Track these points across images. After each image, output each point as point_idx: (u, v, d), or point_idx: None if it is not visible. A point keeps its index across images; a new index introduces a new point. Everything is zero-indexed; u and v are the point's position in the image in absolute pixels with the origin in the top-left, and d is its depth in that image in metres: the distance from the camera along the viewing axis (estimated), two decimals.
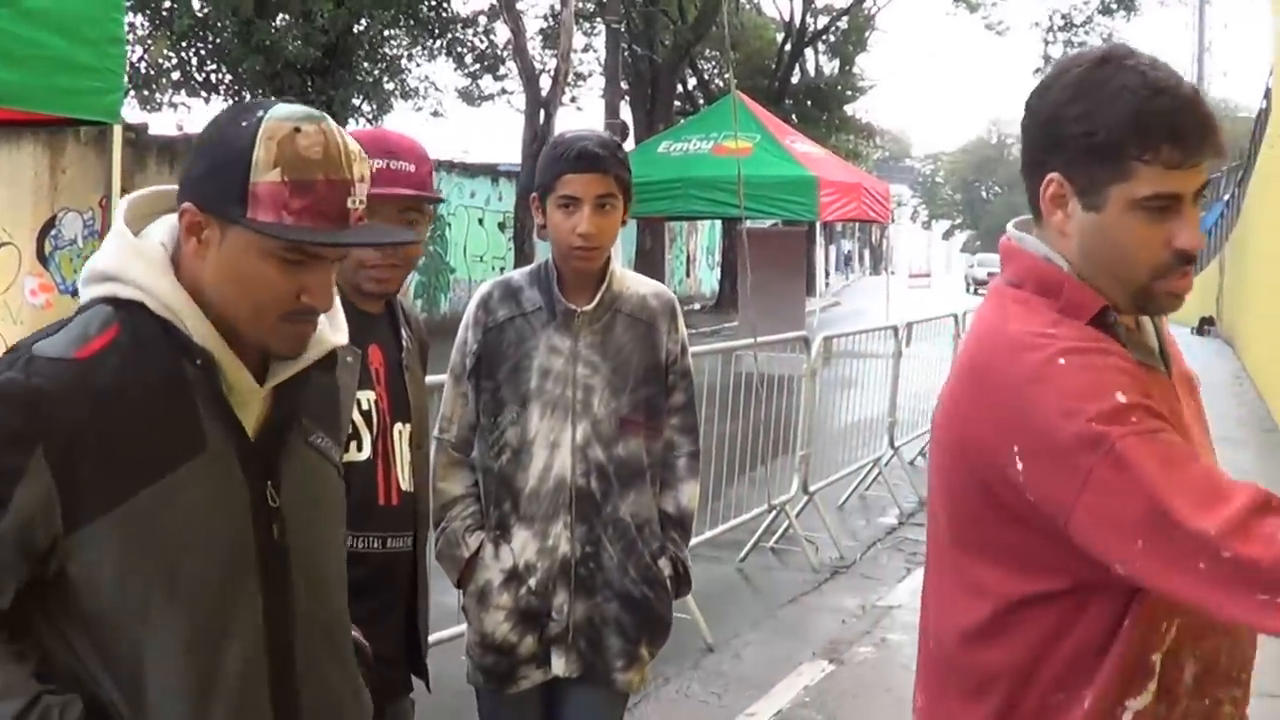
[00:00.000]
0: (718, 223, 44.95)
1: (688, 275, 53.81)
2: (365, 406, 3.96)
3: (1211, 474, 2.53)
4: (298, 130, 2.59)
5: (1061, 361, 2.61)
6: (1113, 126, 2.64)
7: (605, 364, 4.59)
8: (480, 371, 4.63)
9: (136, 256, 2.68)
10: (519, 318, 4.60)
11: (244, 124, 2.61)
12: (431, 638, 5.92)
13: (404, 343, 4.15)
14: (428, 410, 4.29)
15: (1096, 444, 2.51)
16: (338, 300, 2.84)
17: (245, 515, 2.69)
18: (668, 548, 4.75)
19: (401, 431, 4.07)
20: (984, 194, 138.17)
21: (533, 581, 4.58)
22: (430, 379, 4.45)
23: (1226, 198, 44.45)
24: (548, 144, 4.69)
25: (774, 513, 11.96)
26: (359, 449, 3.95)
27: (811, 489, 12.47)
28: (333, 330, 2.90)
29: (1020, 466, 2.61)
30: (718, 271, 51.55)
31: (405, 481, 4.06)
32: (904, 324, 15.47)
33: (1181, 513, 2.44)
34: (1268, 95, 28.03)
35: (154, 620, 2.56)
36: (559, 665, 4.62)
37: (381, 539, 3.98)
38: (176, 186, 2.72)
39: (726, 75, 47.54)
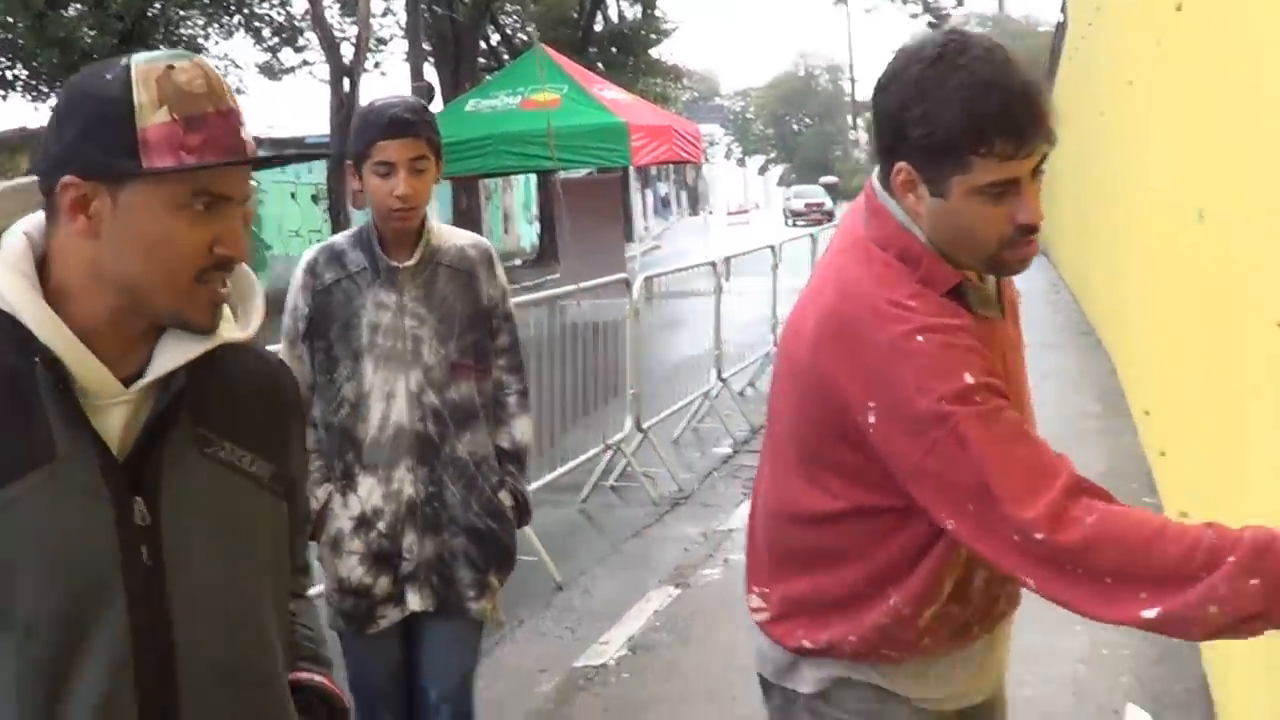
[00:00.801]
0: (533, 177, 44.95)
1: (506, 232, 53.68)
2: None
3: (1037, 456, 2.90)
4: (171, 67, 2.32)
5: (920, 339, 2.93)
6: (949, 127, 2.90)
7: (431, 314, 4.82)
8: (313, 333, 4.85)
9: None
10: (345, 279, 4.82)
11: (108, 76, 2.32)
12: None
13: None
14: None
15: (943, 420, 2.88)
16: (260, 298, 2.63)
17: (105, 535, 2.33)
18: (506, 480, 5.03)
19: None
20: (795, 127, 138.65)
21: (382, 525, 4.83)
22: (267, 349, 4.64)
23: None
24: (358, 112, 4.90)
25: (610, 452, 12.22)
26: None
27: (645, 426, 12.73)
28: (238, 324, 2.56)
29: (873, 420, 2.98)
30: (536, 225, 51.54)
31: None
32: (722, 259, 15.74)
33: (1006, 493, 2.83)
34: (1064, 9, 28.60)
35: None
36: (414, 601, 4.88)
37: None
38: (30, 178, 2.41)
39: (529, 28, 47.62)
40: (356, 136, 4.76)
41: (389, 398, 4.81)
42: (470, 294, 4.92)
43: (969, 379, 2.90)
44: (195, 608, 2.41)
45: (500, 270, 5.09)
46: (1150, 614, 2.77)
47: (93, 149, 2.29)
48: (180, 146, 2.29)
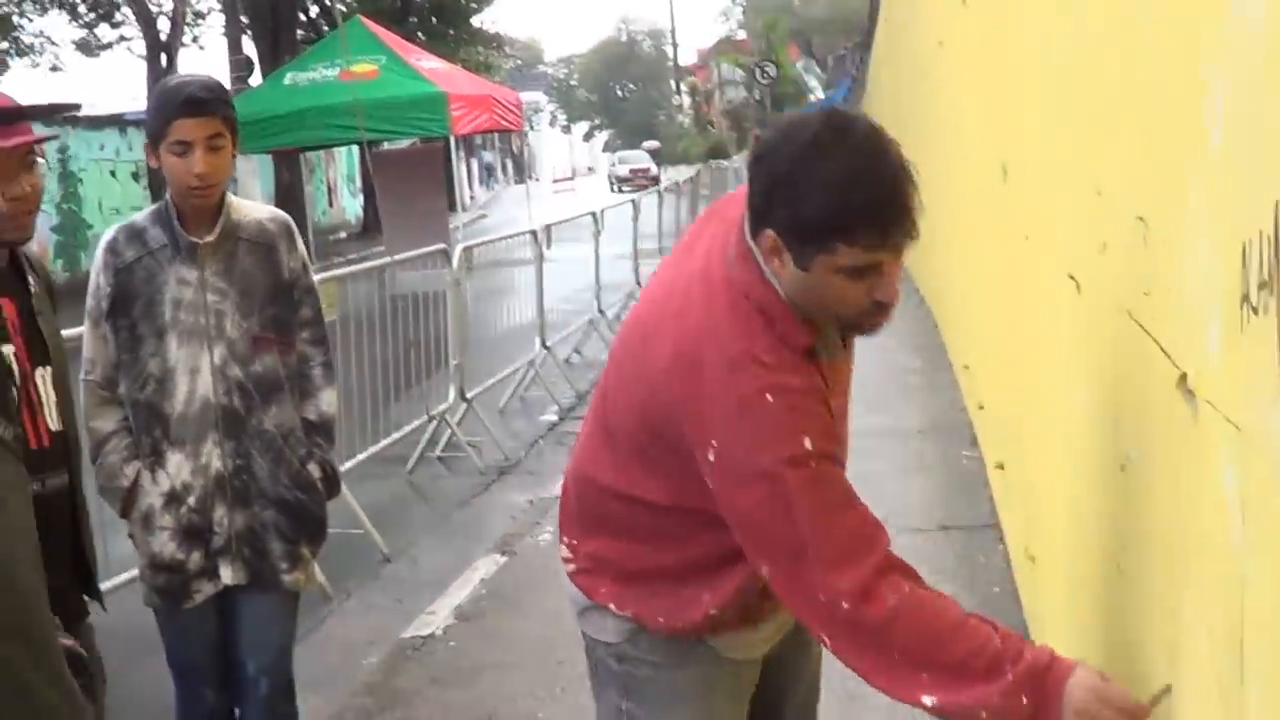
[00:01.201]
0: (356, 149, 44.70)
1: (330, 205, 53.22)
2: (6, 362, 4.06)
3: (858, 526, 3.14)
4: None
5: (768, 398, 3.11)
6: (816, 213, 2.99)
7: (232, 289, 4.86)
8: (116, 311, 4.86)
9: None
10: (146, 256, 4.84)
11: None
12: (111, 583, 6.19)
13: (31, 288, 4.29)
14: (64, 348, 4.42)
15: (775, 480, 3.08)
16: None
17: None
18: (314, 452, 5.09)
19: (44, 375, 4.21)
20: (619, 92, 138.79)
21: (191, 500, 4.87)
22: (70, 331, 4.64)
23: (854, 74, 45.44)
24: (154, 91, 4.91)
25: (435, 422, 12.24)
26: None
27: (469, 396, 12.79)
28: None
29: (711, 459, 3.18)
30: (361, 198, 51.20)
31: (54, 422, 4.21)
32: (543, 228, 15.77)
33: (820, 558, 3.07)
34: None
35: None
36: (227, 575, 4.92)
37: (39, 481, 4.07)
38: None
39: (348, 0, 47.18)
40: (154, 116, 4.77)
41: (193, 373, 4.84)
42: (271, 267, 4.96)
43: (807, 444, 3.08)
44: None
45: (300, 243, 5.12)
46: (929, 700, 3.00)
47: None
48: None
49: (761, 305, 3.20)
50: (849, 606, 3.03)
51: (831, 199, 2.97)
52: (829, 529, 3.08)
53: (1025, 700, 2.90)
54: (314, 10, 45.58)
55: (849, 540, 3.09)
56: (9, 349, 4.11)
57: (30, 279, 4.33)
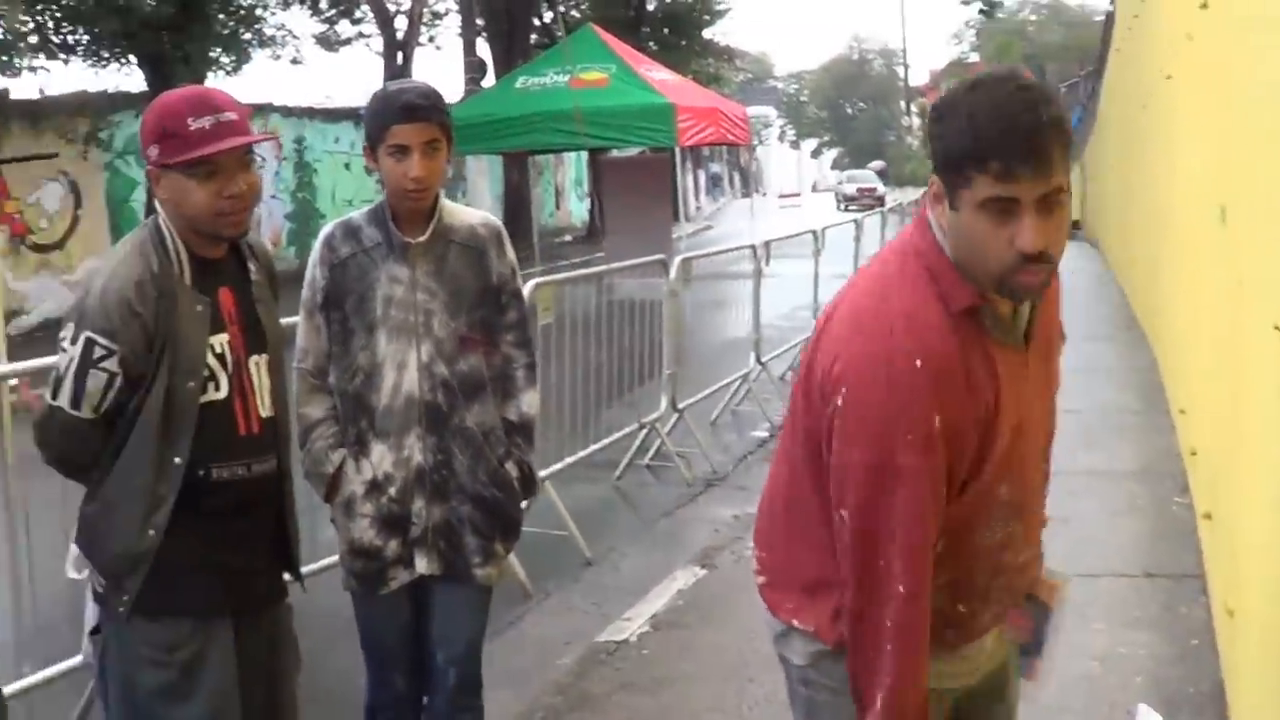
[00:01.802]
0: (585, 154, 45.03)
1: (557, 208, 53.75)
2: (219, 350, 4.27)
3: (917, 548, 3.19)
4: None
5: (916, 362, 3.12)
6: (956, 140, 3.07)
7: (442, 289, 4.99)
8: (330, 304, 5.03)
9: None
10: (360, 253, 5.00)
11: None
12: (314, 565, 6.33)
13: (252, 276, 4.46)
14: (284, 334, 4.61)
15: (883, 457, 3.14)
16: None
17: None
18: (513, 452, 5.19)
19: (259, 363, 4.39)
20: (849, 110, 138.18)
21: (392, 490, 5.00)
22: (288, 320, 4.79)
23: (1084, 103, 44.74)
24: (373, 96, 5.06)
25: (645, 431, 12.30)
26: (216, 389, 4.26)
27: (681, 406, 12.82)
28: None
29: (839, 402, 3.20)
30: (587, 203, 51.58)
31: (265, 408, 4.39)
32: (762, 243, 15.77)
33: (875, 556, 3.20)
34: (1113, 1, 28.53)
35: None
36: (422, 564, 5.05)
37: (246, 465, 4.32)
38: None
39: (583, 7, 47.53)
40: (372, 121, 4.93)
41: (400, 368, 4.97)
42: (480, 271, 5.08)
43: (936, 423, 3.12)
44: None
45: (510, 249, 5.23)
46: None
47: None
48: None
49: (928, 262, 3.25)
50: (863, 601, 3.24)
51: (967, 125, 3.05)
52: (893, 532, 3.17)
53: None
54: (548, 16, 45.98)
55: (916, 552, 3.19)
56: (224, 337, 4.29)
57: (251, 267, 4.49)
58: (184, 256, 4.24)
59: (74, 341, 4.11)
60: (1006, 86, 3.06)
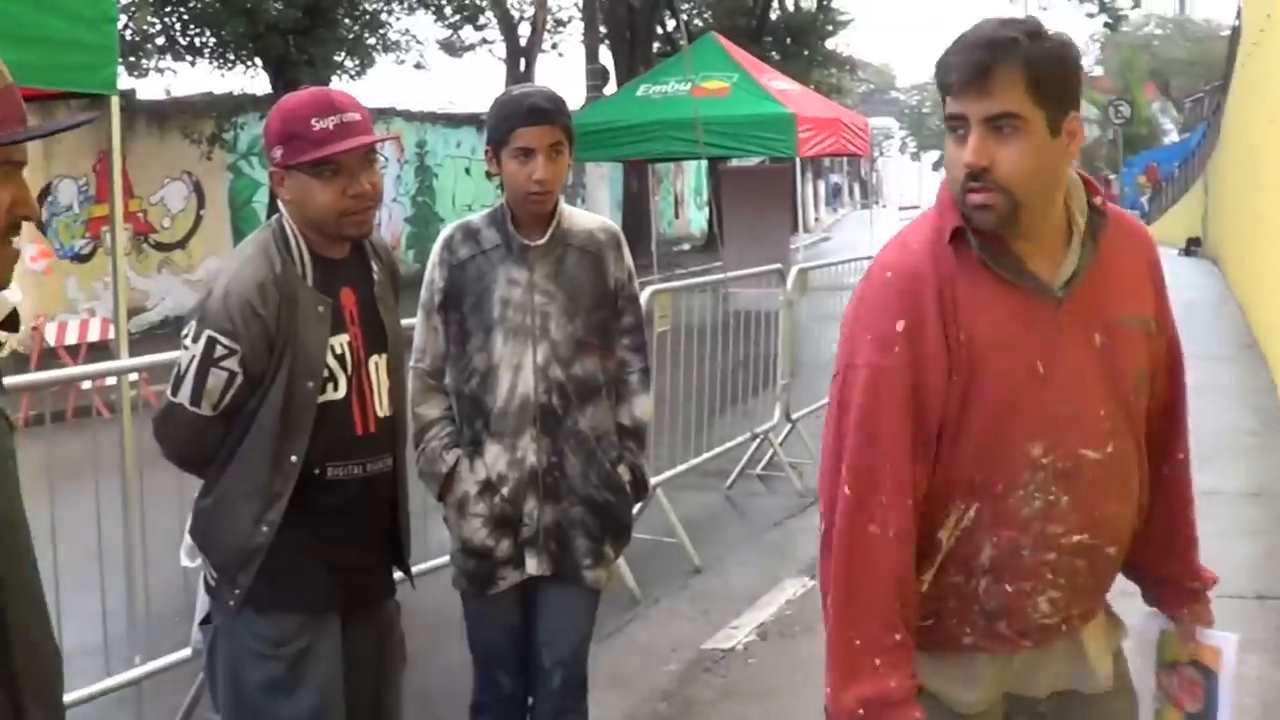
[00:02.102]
0: (705, 162, 45.01)
1: (676, 216, 53.75)
2: (339, 350, 4.34)
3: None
4: None
5: (887, 274, 3.30)
6: (936, 69, 3.26)
7: (560, 292, 5.03)
8: (448, 305, 5.08)
9: None
10: (479, 255, 5.05)
11: None
12: (424, 565, 6.39)
13: (375, 276, 4.52)
14: (402, 337, 4.67)
15: (847, 368, 3.31)
16: None
17: None
18: (625, 456, 5.22)
19: (378, 363, 4.45)
20: None
21: (505, 490, 5.04)
22: (406, 321, 4.85)
23: (1209, 118, 44.17)
24: (497, 100, 5.11)
25: (758, 441, 12.32)
26: (335, 389, 4.33)
27: (794, 417, 12.84)
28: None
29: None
30: (706, 211, 51.54)
31: (383, 408, 4.45)
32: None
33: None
34: (1239, 14, 28.25)
35: None
36: (532, 565, 5.08)
37: (361, 465, 4.38)
38: None
39: (705, 15, 47.54)
40: (497, 124, 4.99)
41: (516, 370, 5.01)
42: (598, 275, 5.12)
43: (899, 327, 3.22)
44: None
45: (627, 255, 5.27)
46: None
47: None
48: None
49: (941, 196, 3.36)
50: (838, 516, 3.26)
51: (942, 54, 3.23)
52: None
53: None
54: (671, 24, 46.02)
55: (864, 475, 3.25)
56: (345, 337, 4.35)
57: (374, 267, 4.55)
58: (306, 257, 4.32)
59: (196, 340, 4.19)
60: (993, 21, 3.23)
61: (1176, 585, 3.67)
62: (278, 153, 4.26)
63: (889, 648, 3.19)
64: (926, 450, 3.24)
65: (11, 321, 2.76)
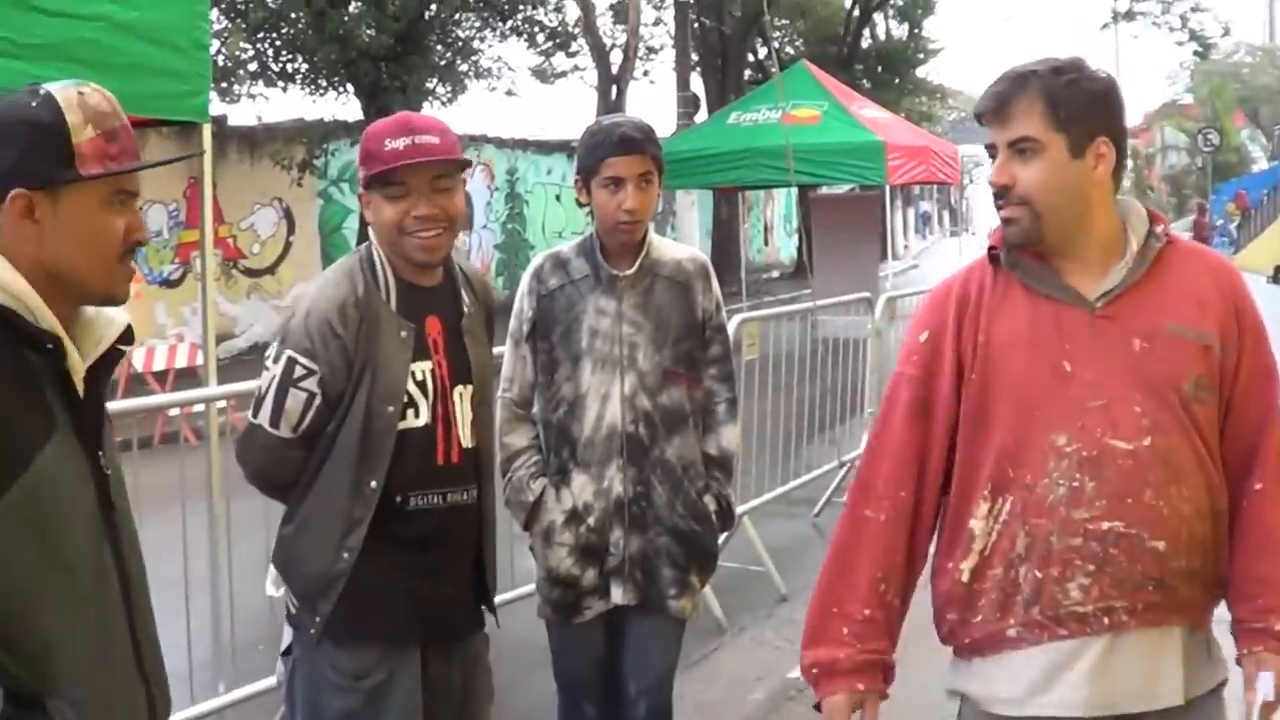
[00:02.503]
0: (794, 190, 44.95)
1: (766, 243, 53.75)
2: (420, 376, 4.31)
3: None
4: (81, 93, 2.86)
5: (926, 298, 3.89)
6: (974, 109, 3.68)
7: (648, 322, 5.04)
8: (536, 334, 5.11)
9: None
10: (568, 285, 5.07)
11: (34, 105, 2.82)
12: (510, 594, 6.38)
13: (465, 308, 4.50)
14: (492, 369, 4.65)
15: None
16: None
17: (89, 484, 2.86)
18: (712, 485, 5.22)
19: (463, 394, 4.41)
20: None
21: (591, 520, 5.04)
22: (497, 349, 4.85)
23: None
24: (587, 130, 5.14)
25: (845, 469, 12.20)
26: (416, 416, 4.30)
27: None
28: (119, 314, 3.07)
29: None
30: (796, 239, 51.47)
31: (467, 439, 4.41)
32: None
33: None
34: None
35: (49, 599, 2.73)
36: (618, 594, 5.08)
37: (442, 494, 4.34)
38: None
39: (796, 43, 47.53)
40: (587, 153, 5.01)
41: (604, 399, 5.02)
42: (685, 305, 5.13)
43: (921, 338, 3.68)
44: (128, 539, 3.00)
45: (715, 285, 5.28)
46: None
47: (36, 164, 2.80)
48: (105, 155, 2.86)
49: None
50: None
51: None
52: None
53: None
54: (763, 52, 46.03)
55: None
56: (428, 364, 4.34)
57: (465, 298, 4.53)
58: (391, 282, 4.32)
59: (276, 360, 4.23)
60: (1030, 61, 3.59)
61: (1241, 626, 3.56)
62: (360, 174, 4.31)
63: (858, 620, 3.56)
64: (939, 446, 3.61)
65: (127, 336, 3.04)
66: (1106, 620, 3.42)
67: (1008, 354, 3.51)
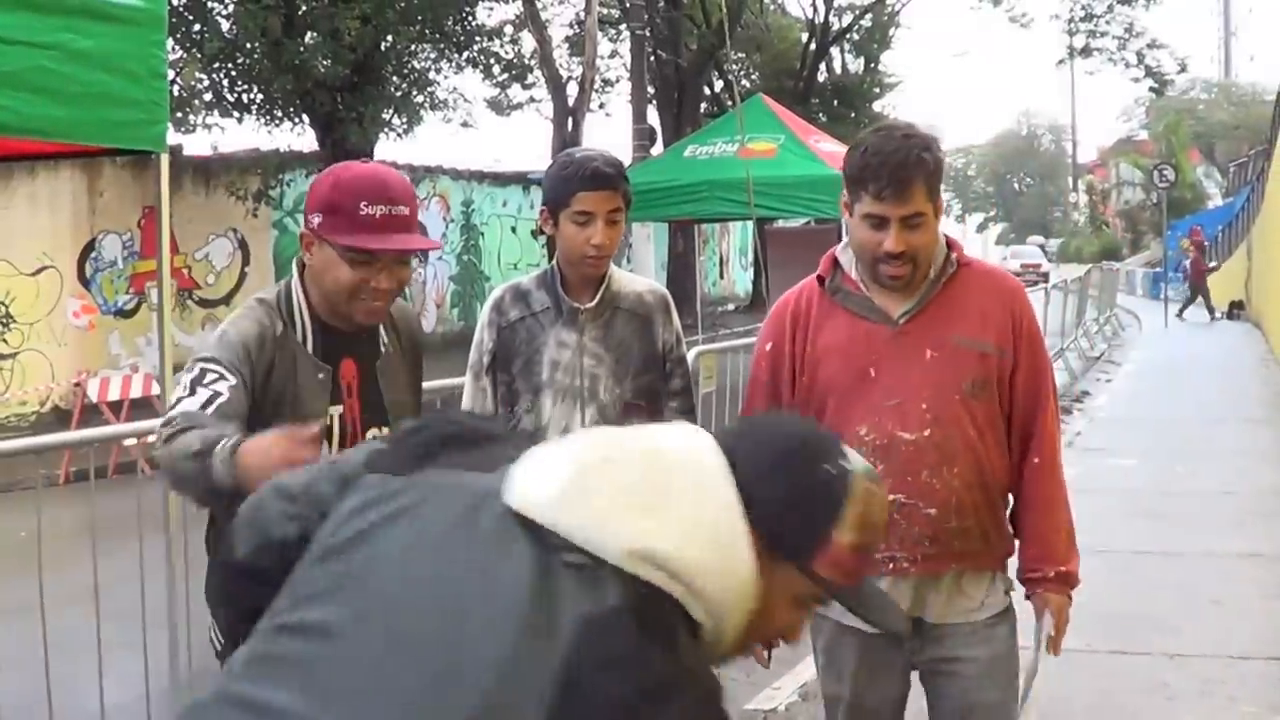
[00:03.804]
0: (750, 223, 45.03)
1: (721, 276, 53.82)
2: (327, 422, 4.21)
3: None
4: (871, 493, 2.53)
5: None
6: (850, 170, 4.39)
7: (608, 355, 5.04)
8: (496, 366, 5.10)
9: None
10: (529, 317, 5.06)
11: (833, 471, 2.51)
12: None
13: (382, 348, 4.43)
14: (412, 407, 4.53)
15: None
16: None
17: None
18: None
19: (377, 436, 4.22)
20: (1016, 186, 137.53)
21: None
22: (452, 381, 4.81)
23: (1253, 182, 44.19)
24: (557, 162, 5.11)
25: None
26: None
27: None
28: None
29: None
30: (751, 272, 51.62)
31: None
32: None
33: None
34: None
35: None
36: None
37: None
38: None
39: (753, 77, 47.70)
40: (557, 185, 4.98)
41: (565, 432, 4.96)
42: (646, 338, 5.14)
43: (767, 347, 4.79)
44: None
45: (675, 318, 5.29)
46: None
47: (788, 527, 2.45)
48: (844, 567, 2.50)
49: (828, 255, 4.81)
50: None
51: (859, 158, 4.36)
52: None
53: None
54: (719, 85, 46.19)
55: None
56: (338, 409, 4.27)
57: (383, 338, 4.47)
58: (309, 324, 4.25)
59: (189, 371, 4.04)
60: (895, 133, 4.37)
61: (1026, 572, 4.63)
62: (316, 219, 4.14)
63: None
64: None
65: None
66: (891, 566, 4.44)
67: (828, 361, 4.56)
